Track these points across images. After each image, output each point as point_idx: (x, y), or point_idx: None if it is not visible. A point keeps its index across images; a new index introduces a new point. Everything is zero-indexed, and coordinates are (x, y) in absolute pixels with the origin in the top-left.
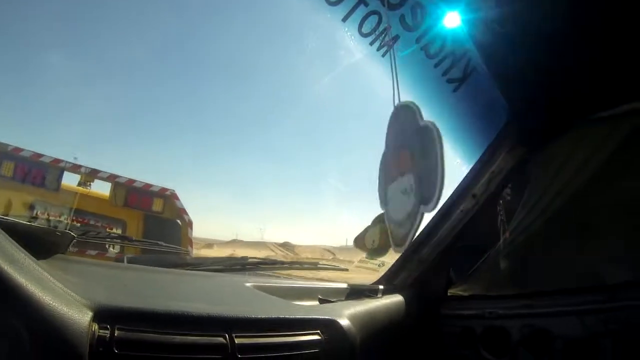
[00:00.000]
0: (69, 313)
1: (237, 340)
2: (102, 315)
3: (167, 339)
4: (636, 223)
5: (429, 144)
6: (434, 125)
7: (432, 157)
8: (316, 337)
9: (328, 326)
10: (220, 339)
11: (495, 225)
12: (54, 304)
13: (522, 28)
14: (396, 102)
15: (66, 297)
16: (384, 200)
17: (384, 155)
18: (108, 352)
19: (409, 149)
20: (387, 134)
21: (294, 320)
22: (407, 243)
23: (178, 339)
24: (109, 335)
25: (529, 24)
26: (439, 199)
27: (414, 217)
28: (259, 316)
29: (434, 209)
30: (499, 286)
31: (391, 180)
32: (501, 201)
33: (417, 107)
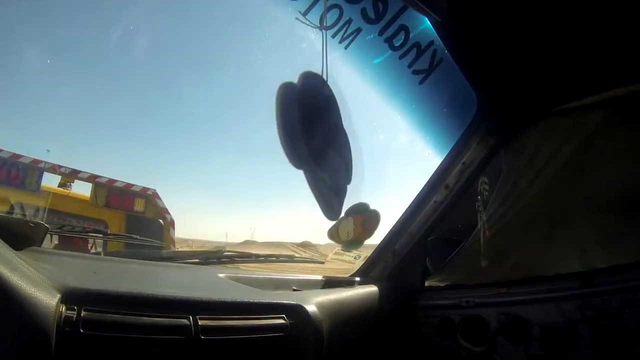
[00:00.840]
0: (37, 294)
1: (200, 322)
2: (70, 297)
3: (132, 320)
4: (607, 211)
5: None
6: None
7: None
8: (281, 321)
9: (294, 311)
10: (184, 321)
11: (470, 216)
12: (22, 284)
13: (489, 20)
14: (327, 78)
15: (35, 279)
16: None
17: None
18: (75, 332)
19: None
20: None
21: (259, 304)
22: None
23: (143, 319)
24: (75, 316)
25: (497, 15)
26: None
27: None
28: (224, 299)
29: None
30: (476, 276)
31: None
32: (477, 191)
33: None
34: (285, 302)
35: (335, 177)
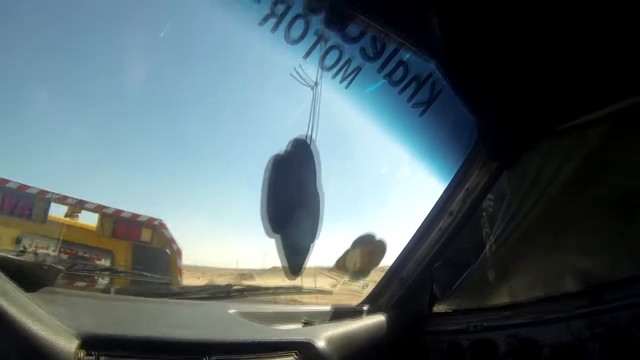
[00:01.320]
0: (57, 342)
1: None
2: (88, 343)
3: None
4: (611, 225)
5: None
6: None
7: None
8: (291, 358)
9: (304, 348)
10: None
11: (475, 240)
12: (43, 333)
13: (485, 49)
14: (311, 138)
15: (54, 326)
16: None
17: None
18: None
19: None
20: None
21: (271, 343)
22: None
23: None
24: None
25: (492, 44)
26: None
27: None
28: (237, 340)
29: None
30: (483, 299)
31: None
32: (480, 216)
33: None
34: (295, 339)
35: (301, 239)
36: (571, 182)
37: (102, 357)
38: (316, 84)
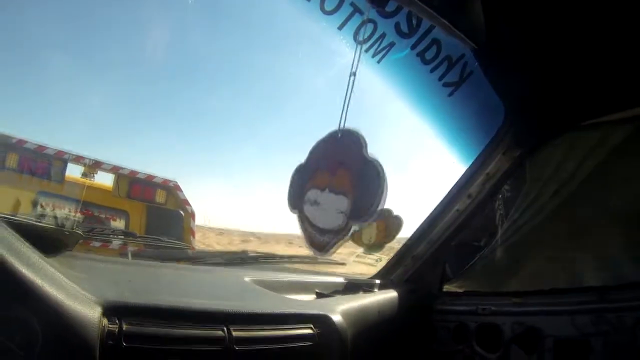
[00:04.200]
0: (81, 309)
1: (234, 333)
2: (111, 311)
3: (171, 332)
4: (627, 227)
5: (374, 178)
6: (379, 163)
7: (372, 189)
8: (309, 331)
9: (320, 321)
10: (219, 332)
11: (490, 224)
12: (67, 302)
13: (524, 41)
14: (342, 124)
15: (77, 294)
16: (294, 202)
17: (313, 160)
18: (117, 345)
19: (350, 172)
20: (324, 146)
21: (289, 315)
22: (325, 250)
23: (180, 331)
24: (117, 330)
25: (532, 35)
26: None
27: (342, 232)
28: (255, 311)
29: (361, 225)
30: (493, 283)
31: (320, 189)
32: (498, 201)
33: (364, 139)
34: (312, 312)
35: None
36: (591, 179)
37: (125, 324)
38: (354, 74)
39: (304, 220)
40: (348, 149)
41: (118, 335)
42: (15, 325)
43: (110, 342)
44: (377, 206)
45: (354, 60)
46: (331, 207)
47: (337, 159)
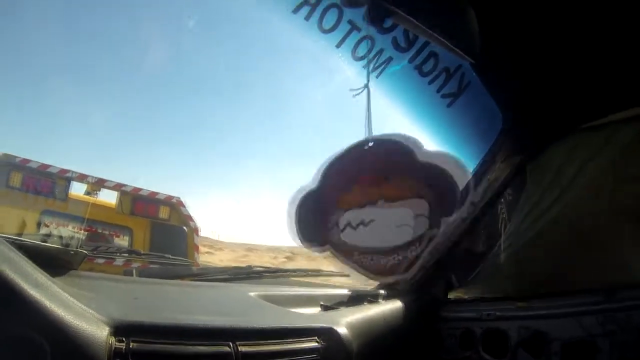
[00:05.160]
0: (89, 328)
1: (241, 349)
2: (118, 329)
3: (178, 349)
4: (631, 227)
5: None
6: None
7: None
8: (314, 344)
9: (326, 334)
10: (226, 348)
11: (494, 231)
12: (75, 321)
13: (520, 49)
14: (367, 133)
15: (84, 313)
16: (321, 234)
17: (333, 181)
18: None
19: (409, 177)
20: (346, 163)
21: (294, 328)
22: (403, 270)
23: (187, 349)
24: (125, 348)
25: (527, 42)
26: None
27: (426, 236)
28: (261, 326)
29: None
30: (498, 289)
31: (357, 208)
32: (500, 207)
33: (411, 142)
34: (317, 325)
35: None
36: (594, 182)
37: (133, 343)
38: (367, 86)
39: (347, 250)
40: (392, 156)
41: (125, 353)
42: (26, 346)
43: None
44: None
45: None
46: (394, 219)
47: (379, 169)
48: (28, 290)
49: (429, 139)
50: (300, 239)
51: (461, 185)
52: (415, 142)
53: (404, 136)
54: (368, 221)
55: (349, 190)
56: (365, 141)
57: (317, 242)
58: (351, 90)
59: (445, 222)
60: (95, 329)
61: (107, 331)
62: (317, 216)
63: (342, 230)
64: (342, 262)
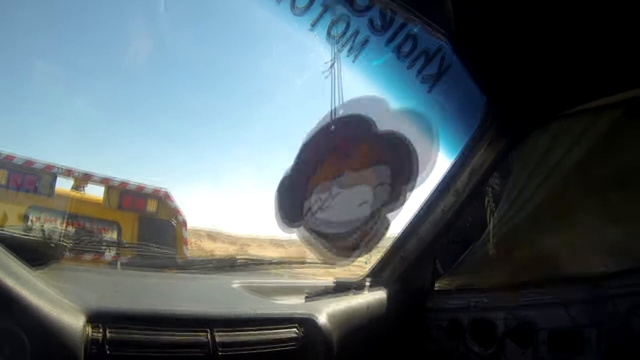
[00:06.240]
0: (65, 318)
1: (217, 337)
2: (94, 318)
3: (154, 338)
4: (618, 212)
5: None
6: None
7: (401, 161)
8: (293, 333)
9: (305, 322)
10: (202, 337)
11: (479, 218)
12: (50, 311)
13: (497, 28)
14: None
15: (61, 304)
16: (297, 214)
17: (305, 160)
18: (101, 352)
19: (372, 145)
20: (315, 143)
21: (273, 317)
22: (357, 252)
23: (164, 337)
24: (101, 337)
25: (505, 22)
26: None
27: (395, 200)
28: (239, 314)
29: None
30: (485, 278)
31: (333, 178)
32: (486, 194)
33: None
34: (297, 314)
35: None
36: (577, 166)
37: (109, 332)
38: (333, 61)
39: (315, 229)
40: (353, 130)
41: (102, 342)
42: (4, 337)
43: (95, 349)
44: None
45: (332, 54)
46: (356, 196)
47: (343, 146)
48: (6, 281)
49: (411, 122)
50: (280, 223)
51: (421, 153)
52: (381, 108)
53: (371, 99)
54: (336, 193)
55: (319, 170)
56: (330, 122)
57: (290, 221)
58: (323, 72)
59: (405, 191)
60: (71, 318)
61: (83, 320)
62: (292, 199)
63: (313, 214)
64: (311, 245)
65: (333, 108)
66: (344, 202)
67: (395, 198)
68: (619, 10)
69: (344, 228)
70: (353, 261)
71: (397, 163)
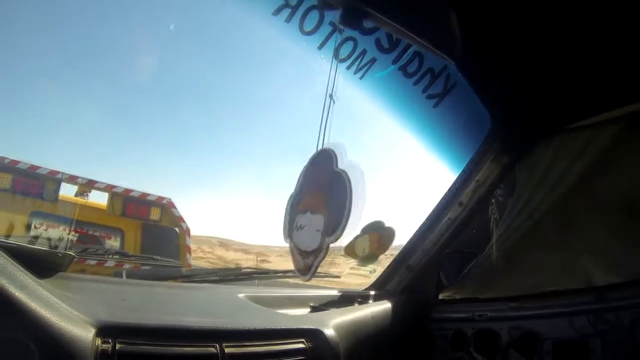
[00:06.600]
0: (75, 331)
1: (227, 350)
2: (104, 331)
3: (164, 350)
4: (620, 225)
5: (342, 191)
6: (347, 174)
7: (341, 200)
8: (301, 345)
9: (313, 335)
10: (212, 349)
11: (483, 230)
12: (61, 323)
13: (504, 49)
14: (319, 145)
15: (71, 315)
16: (288, 232)
17: (299, 187)
18: None
19: (324, 190)
20: (308, 171)
21: (281, 330)
22: (310, 273)
23: (174, 350)
24: (111, 349)
25: (511, 42)
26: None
27: (321, 251)
28: (247, 327)
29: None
30: (489, 289)
31: (303, 212)
32: (491, 207)
33: (335, 153)
34: (305, 327)
35: (308, 240)
36: (581, 180)
37: (119, 344)
38: (331, 96)
39: (292, 247)
40: (322, 167)
41: (112, 355)
42: (13, 348)
43: None
44: (347, 219)
45: (330, 82)
46: (311, 228)
47: (316, 180)
48: (14, 292)
49: (417, 139)
50: (282, 230)
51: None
52: (335, 154)
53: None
54: (302, 226)
55: (303, 197)
56: (318, 152)
57: (285, 235)
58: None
59: (329, 242)
60: (81, 330)
61: (93, 332)
62: (290, 215)
63: (293, 231)
64: (290, 254)
65: (322, 138)
66: (305, 235)
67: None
68: (618, 27)
69: (302, 253)
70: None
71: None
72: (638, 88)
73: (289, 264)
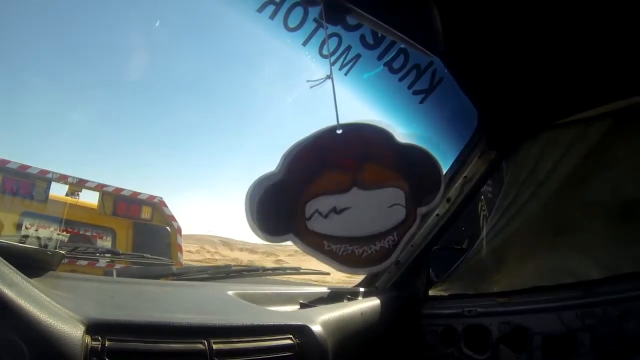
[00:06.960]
0: (64, 328)
1: (214, 346)
2: (94, 328)
3: (152, 347)
4: (607, 220)
5: (420, 159)
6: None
7: (427, 169)
8: (289, 341)
9: (300, 331)
10: (200, 345)
11: (472, 226)
12: (50, 321)
13: (488, 43)
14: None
15: (60, 313)
16: (284, 224)
17: (301, 167)
18: None
19: (385, 163)
20: (316, 149)
21: (269, 326)
22: (394, 254)
23: (162, 346)
24: (100, 346)
25: (495, 36)
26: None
27: (407, 222)
28: (235, 323)
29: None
30: (478, 285)
31: (339, 192)
32: (479, 203)
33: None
34: (292, 323)
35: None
36: (568, 176)
37: (108, 342)
38: (329, 76)
39: (315, 240)
40: (368, 141)
41: (101, 352)
42: (3, 346)
43: (94, 358)
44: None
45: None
46: (370, 206)
47: (352, 155)
48: (3, 290)
49: (403, 135)
50: (260, 232)
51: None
52: (391, 127)
53: (377, 121)
54: (341, 209)
55: (318, 178)
56: (334, 127)
57: (278, 233)
58: (308, 81)
59: (420, 213)
60: (70, 328)
61: (82, 330)
62: (280, 207)
63: (308, 219)
64: (307, 252)
65: (337, 116)
66: (353, 218)
67: (409, 218)
68: (607, 22)
69: (356, 240)
70: (362, 273)
71: (416, 185)
72: (627, 84)
73: (307, 263)
